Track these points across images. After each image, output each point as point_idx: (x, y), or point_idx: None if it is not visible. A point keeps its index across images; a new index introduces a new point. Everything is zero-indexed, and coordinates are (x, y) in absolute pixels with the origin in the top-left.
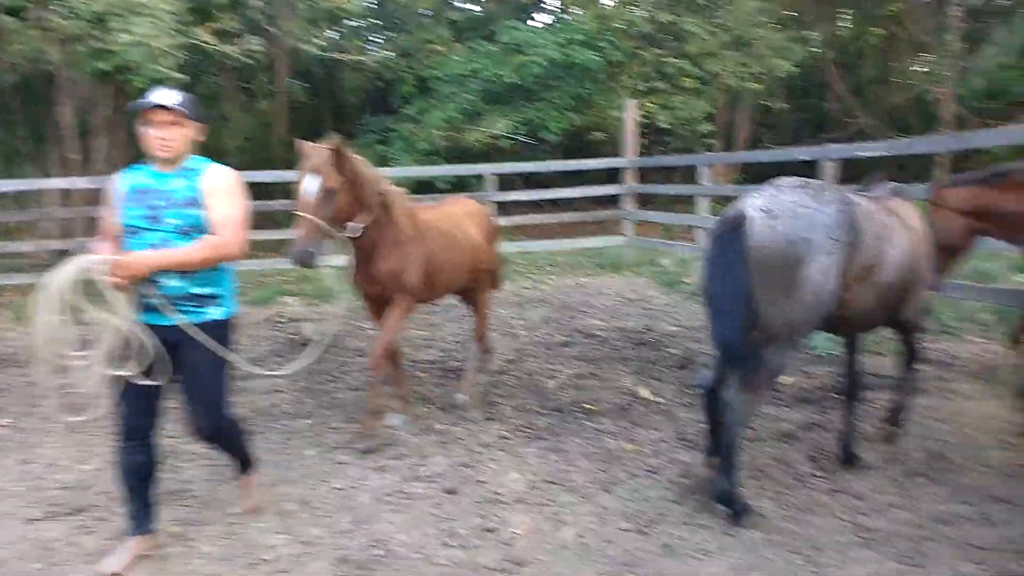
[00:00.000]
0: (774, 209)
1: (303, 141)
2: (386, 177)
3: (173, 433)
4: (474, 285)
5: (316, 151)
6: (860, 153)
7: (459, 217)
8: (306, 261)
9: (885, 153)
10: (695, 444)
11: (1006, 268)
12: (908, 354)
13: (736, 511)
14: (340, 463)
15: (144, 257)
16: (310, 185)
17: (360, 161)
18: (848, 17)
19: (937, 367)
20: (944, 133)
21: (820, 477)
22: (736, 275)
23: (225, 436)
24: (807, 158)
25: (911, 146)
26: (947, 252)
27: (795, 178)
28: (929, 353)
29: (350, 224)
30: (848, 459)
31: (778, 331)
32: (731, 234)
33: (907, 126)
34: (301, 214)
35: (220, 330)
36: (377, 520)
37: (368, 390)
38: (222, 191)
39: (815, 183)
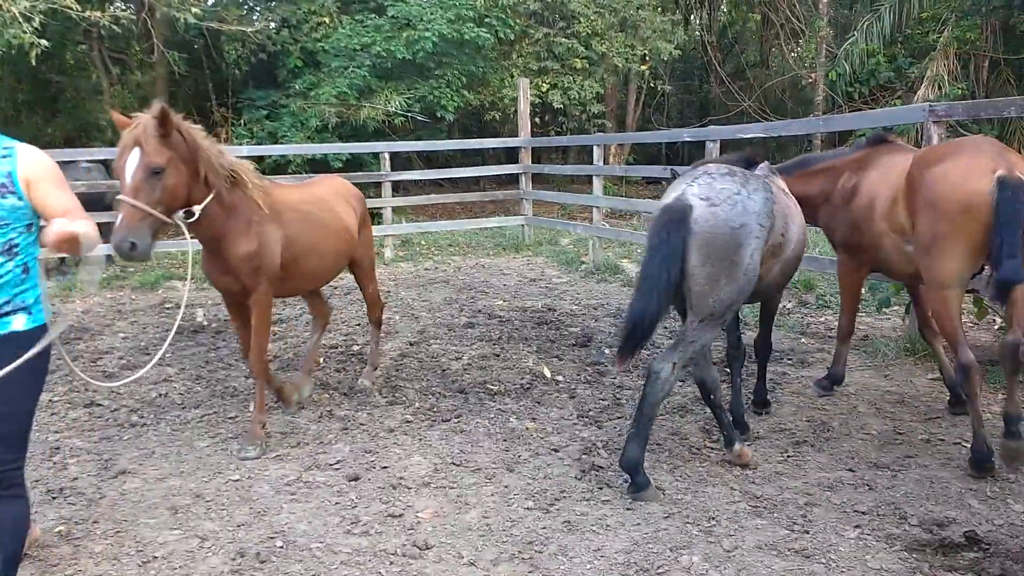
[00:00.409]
0: (712, 197)
1: (117, 113)
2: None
3: (58, 429)
4: (354, 272)
5: (137, 122)
6: (741, 135)
7: (326, 197)
8: (129, 253)
9: (763, 135)
10: (596, 421)
11: None
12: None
13: (637, 484)
14: (235, 453)
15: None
16: (130, 163)
17: (195, 131)
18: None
19: (818, 340)
20: (816, 115)
21: (713, 448)
22: (677, 261)
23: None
24: (692, 139)
25: (787, 127)
26: None
27: (720, 164)
28: (811, 327)
29: (187, 208)
30: (740, 425)
31: (714, 310)
32: (677, 223)
33: (785, 108)
34: (121, 198)
35: (26, 343)
36: (276, 511)
37: (256, 397)
38: (50, 178)
39: (737, 169)
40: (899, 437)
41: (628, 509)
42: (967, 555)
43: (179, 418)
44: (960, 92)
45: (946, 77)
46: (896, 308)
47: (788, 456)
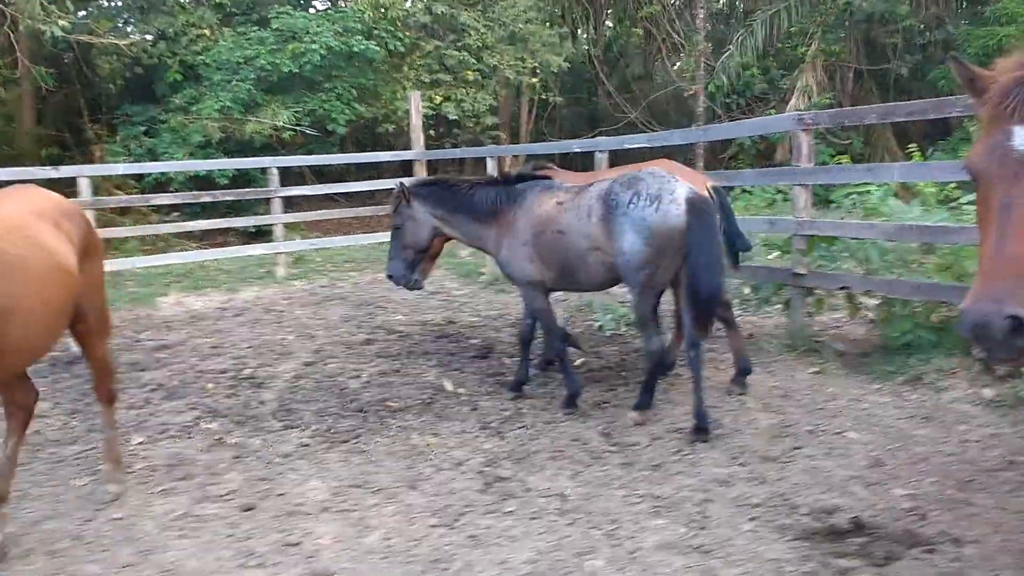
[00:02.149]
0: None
1: None
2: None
3: None
4: (74, 330)
5: None
6: (627, 145)
7: (21, 222)
8: None
9: (647, 144)
10: (498, 432)
11: (759, 246)
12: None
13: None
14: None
15: None
16: None
17: None
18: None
19: (709, 340)
20: (697, 126)
21: (613, 452)
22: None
23: None
24: (581, 150)
25: (669, 137)
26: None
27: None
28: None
29: None
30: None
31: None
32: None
33: (669, 119)
34: None
35: None
36: (163, 548)
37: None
38: None
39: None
40: (786, 430)
41: (532, 519)
42: (855, 540)
43: (54, 456)
44: (828, 101)
45: (815, 88)
46: (777, 306)
47: (684, 455)
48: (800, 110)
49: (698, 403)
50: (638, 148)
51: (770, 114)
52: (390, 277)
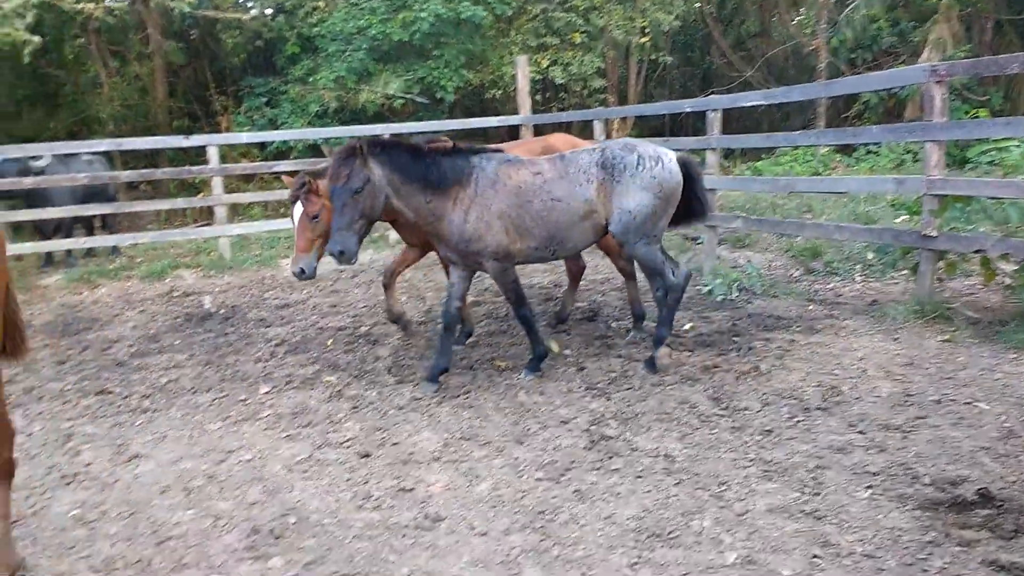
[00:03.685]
0: None
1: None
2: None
3: (70, 417)
4: None
5: None
6: (742, 103)
7: None
8: None
9: (763, 102)
10: (604, 393)
11: (886, 208)
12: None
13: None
14: (247, 435)
15: None
16: None
17: None
18: None
19: (826, 306)
20: (817, 82)
21: (722, 415)
22: None
23: None
24: (692, 109)
25: (788, 94)
26: (324, 236)
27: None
28: (819, 293)
29: None
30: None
31: None
32: None
33: (788, 77)
34: None
35: None
36: (289, 489)
37: None
38: None
39: None
40: (909, 399)
41: (638, 477)
42: (981, 512)
43: (190, 403)
44: (964, 54)
45: (950, 40)
46: (904, 272)
47: (797, 421)
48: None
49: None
50: (750, 106)
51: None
52: (341, 254)
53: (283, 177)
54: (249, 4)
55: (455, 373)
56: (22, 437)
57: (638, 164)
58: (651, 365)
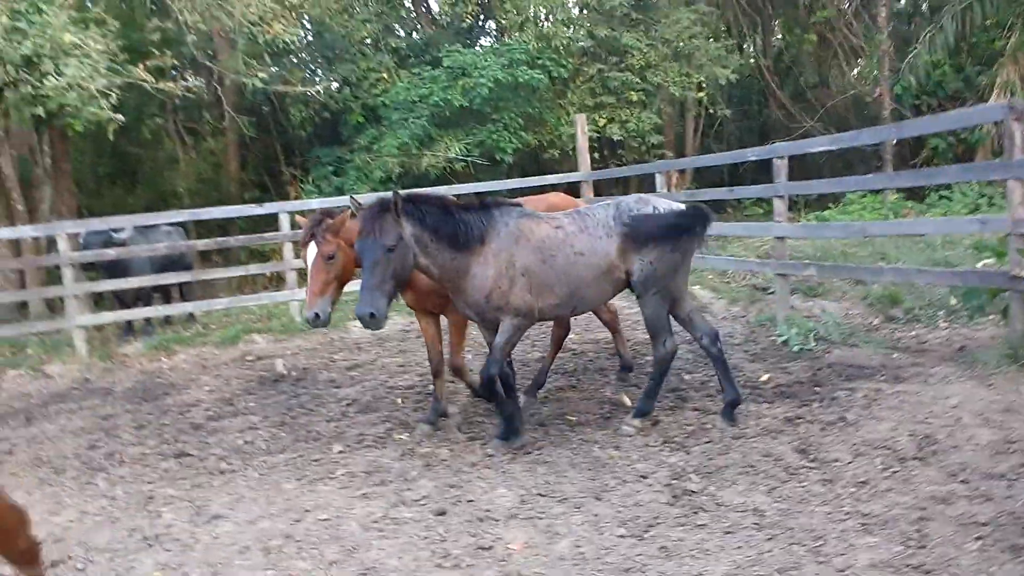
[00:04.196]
0: None
1: None
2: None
3: (151, 479)
4: None
5: None
6: (809, 149)
7: None
8: None
9: (831, 147)
10: (682, 446)
11: (966, 253)
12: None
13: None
14: (322, 494)
15: None
16: None
17: None
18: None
19: (911, 354)
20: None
21: (811, 468)
22: None
23: None
24: (757, 158)
25: (856, 138)
26: (339, 279)
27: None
28: (902, 341)
29: None
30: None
31: None
32: None
33: (848, 126)
34: None
35: None
36: (366, 548)
37: None
38: None
39: None
40: (1011, 446)
41: (727, 533)
42: None
43: (266, 463)
44: None
45: (1018, 83)
46: (992, 316)
47: (894, 472)
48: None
49: (731, 388)
50: (817, 152)
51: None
52: (371, 317)
53: (297, 217)
54: (316, 78)
55: (526, 429)
56: (105, 501)
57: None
58: (729, 416)
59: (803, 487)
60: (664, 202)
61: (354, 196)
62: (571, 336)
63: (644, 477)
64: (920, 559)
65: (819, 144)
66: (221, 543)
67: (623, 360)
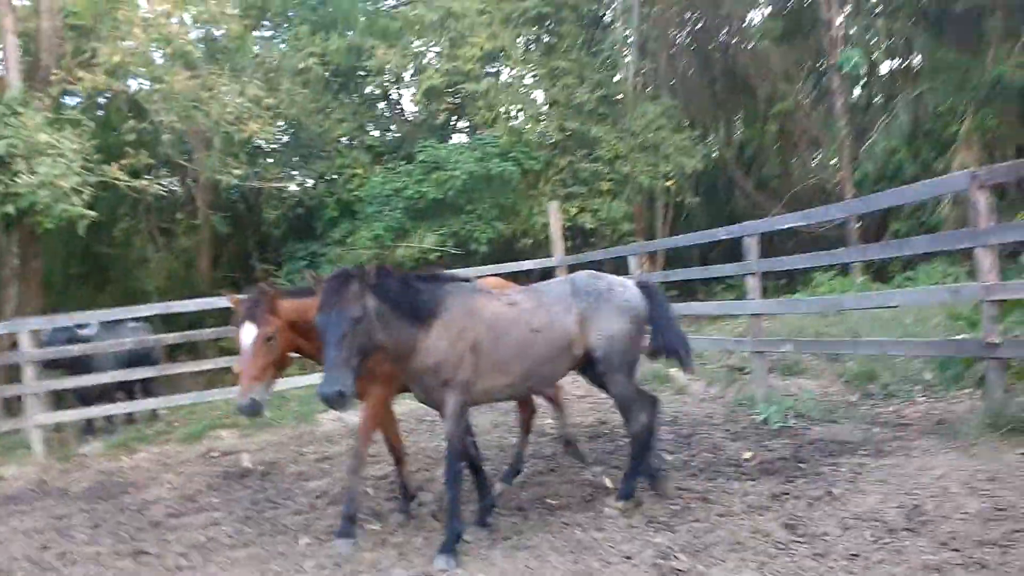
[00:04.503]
0: None
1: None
2: None
3: None
4: None
5: None
6: (780, 225)
7: None
8: None
9: (803, 223)
10: (667, 526)
11: (938, 326)
12: None
13: None
14: None
15: None
16: None
17: None
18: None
19: (891, 428)
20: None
21: (800, 543)
22: None
23: None
24: (728, 236)
25: (826, 213)
26: (277, 364)
27: None
28: (880, 416)
29: None
30: None
31: None
32: None
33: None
34: None
35: None
36: None
37: None
38: None
39: None
40: (1000, 513)
41: None
42: None
43: (228, 558)
44: None
45: (974, 166)
46: (967, 389)
47: (885, 543)
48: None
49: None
50: (785, 234)
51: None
52: (340, 395)
53: (229, 298)
54: (293, 174)
55: (504, 513)
56: None
57: (610, 290)
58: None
59: (794, 562)
60: (615, 277)
61: (311, 272)
62: (548, 420)
63: (629, 558)
64: None
65: (790, 220)
66: None
67: (566, 437)
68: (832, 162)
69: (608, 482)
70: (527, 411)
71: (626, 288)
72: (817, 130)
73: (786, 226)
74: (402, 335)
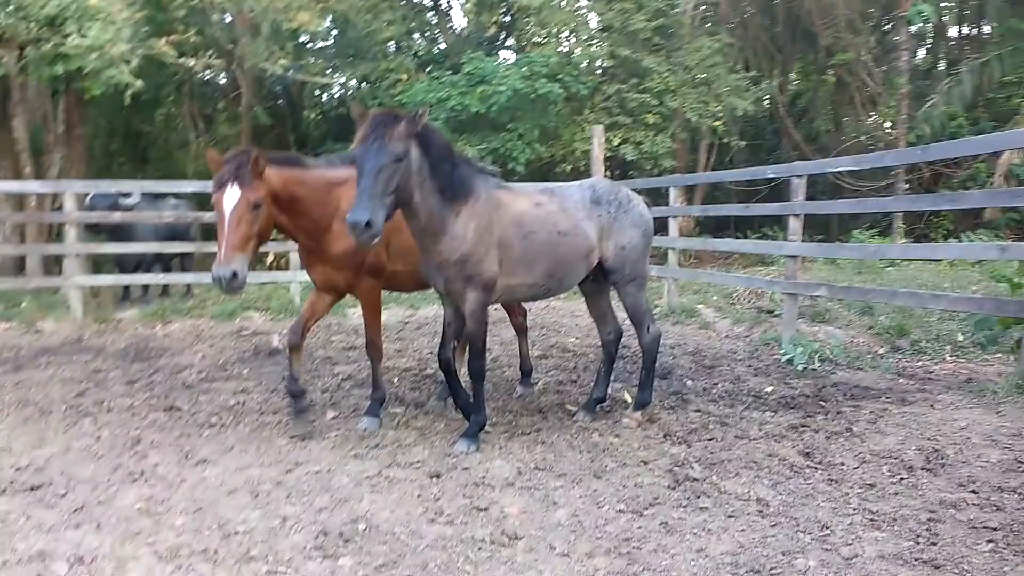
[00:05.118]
0: None
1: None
2: None
3: (138, 426)
4: None
5: None
6: (830, 168)
7: None
8: None
9: (854, 167)
10: (684, 440)
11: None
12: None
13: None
14: (314, 451)
15: None
16: None
17: None
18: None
19: (917, 380)
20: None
21: (816, 468)
22: None
23: None
24: (776, 175)
25: (880, 159)
26: (261, 236)
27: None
28: (907, 370)
29: None
30: None
31: None
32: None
33: (860, 173)
34: None
35: None
36: (358, 499)
37: None
38: None
39: None
40: (1022, 466)
41: (730, 517)
42: None
43: (257, 421)
44: None
45: None
46: (998, 355)
47: (902, 479)
48: (1015, 164)
49: (602, 388)
50: (833, 181)
51: (979, 169)
52: (368, 225)
53: (210, 156)
54: (336, 74)
55: (524, 414)
56: (90, 440)
57: (629, 201)
58: (590, 409)
59: (808, 484)
60: (630, 190)
61: (356, 104)
62: (572, 340)
63: (645, 463)
64: (931, 555)
65: (842, 164)
66: (208, 484)
67: (525, 364)
68: (886, 124)
69: (628, 396)
70: (518, 315)
71: (640, 202)
72: (877, 86)
73: (837, 169)
74: (433, 207)
